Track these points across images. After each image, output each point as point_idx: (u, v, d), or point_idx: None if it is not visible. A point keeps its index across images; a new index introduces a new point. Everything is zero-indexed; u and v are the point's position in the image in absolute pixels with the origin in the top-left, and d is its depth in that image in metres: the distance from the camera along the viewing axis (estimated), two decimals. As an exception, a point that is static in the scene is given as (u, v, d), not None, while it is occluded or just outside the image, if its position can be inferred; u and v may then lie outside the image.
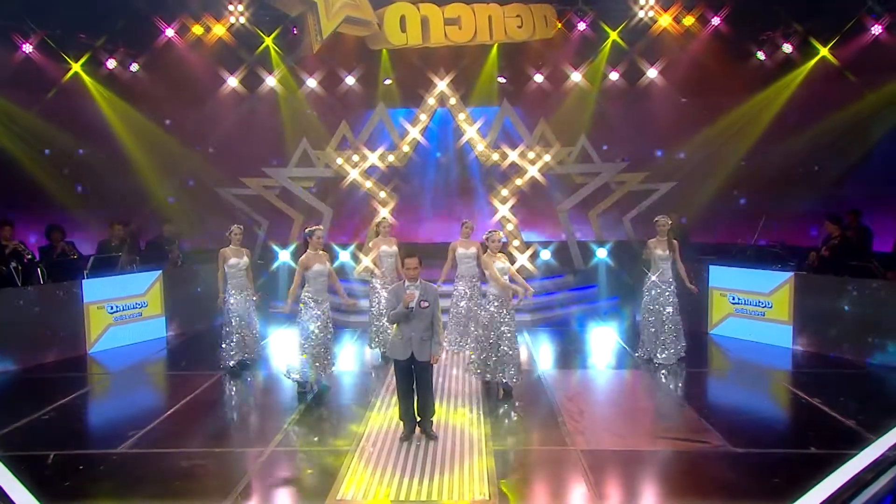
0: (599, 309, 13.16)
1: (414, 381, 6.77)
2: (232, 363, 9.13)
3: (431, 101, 13.94)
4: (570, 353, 10.35)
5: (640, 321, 9.66)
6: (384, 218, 11.58)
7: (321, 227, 8.54)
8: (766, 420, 7.53)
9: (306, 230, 8.38)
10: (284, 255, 13.43)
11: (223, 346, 9.17)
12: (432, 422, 6.94)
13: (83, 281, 10.37)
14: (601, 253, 13.89)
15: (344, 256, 13.28)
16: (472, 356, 8.33)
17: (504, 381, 8.06)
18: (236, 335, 9.14)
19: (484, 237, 8.16)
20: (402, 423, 6.93)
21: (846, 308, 9.50)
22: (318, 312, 8.15)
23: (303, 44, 13.73)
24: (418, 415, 6.87)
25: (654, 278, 9.37)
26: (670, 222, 9.35)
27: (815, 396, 7.89)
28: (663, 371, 9.09)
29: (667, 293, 9.32)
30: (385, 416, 7.48)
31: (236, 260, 9.20)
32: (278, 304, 12.46)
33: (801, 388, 8.31)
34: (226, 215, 14.01)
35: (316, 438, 6.99)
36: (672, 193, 13.99)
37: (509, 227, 13.78)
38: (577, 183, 14.41)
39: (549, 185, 14.29)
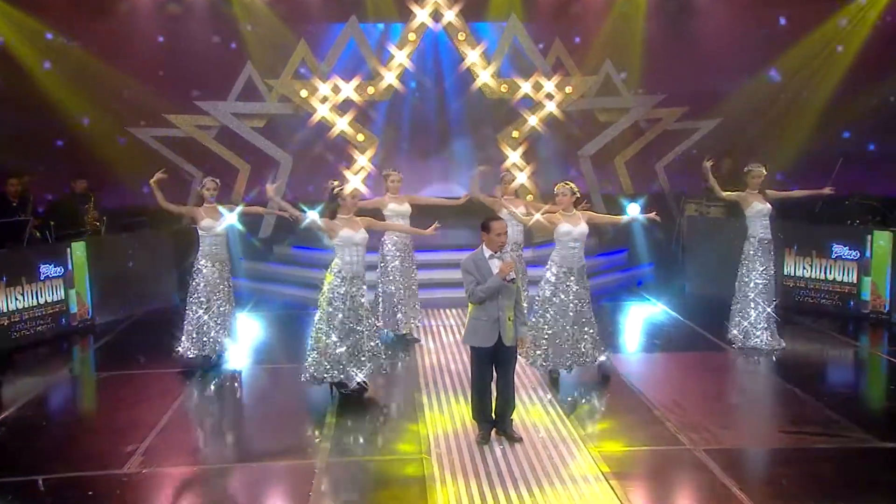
0: (633, 278, 13.62)
1: (493, 373, 7.00)
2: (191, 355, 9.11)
3: (422, 13, 13.91)
4: (625, 334, 10.82)
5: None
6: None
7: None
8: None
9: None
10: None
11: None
12: (513, 420, 7.20)
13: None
14: (633, 209, 14.26)
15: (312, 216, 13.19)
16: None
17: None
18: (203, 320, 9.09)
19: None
20: (475, 423, 7.14)
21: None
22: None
23: None
24: (495, 413, 7.09)
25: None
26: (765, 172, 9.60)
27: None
28: (751, 353, 9.58)
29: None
30: (444, 416, 7.67)
31: (211, 222, 9.11)
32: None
33: (930, 369, 8.95)
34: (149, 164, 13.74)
35: (372, 446, 7.13)
36: (716, 134, 14.51)
37: (522, 177, 14.05)
38: (601, 121, 14.76)
39: (567, 124, 14.58)
